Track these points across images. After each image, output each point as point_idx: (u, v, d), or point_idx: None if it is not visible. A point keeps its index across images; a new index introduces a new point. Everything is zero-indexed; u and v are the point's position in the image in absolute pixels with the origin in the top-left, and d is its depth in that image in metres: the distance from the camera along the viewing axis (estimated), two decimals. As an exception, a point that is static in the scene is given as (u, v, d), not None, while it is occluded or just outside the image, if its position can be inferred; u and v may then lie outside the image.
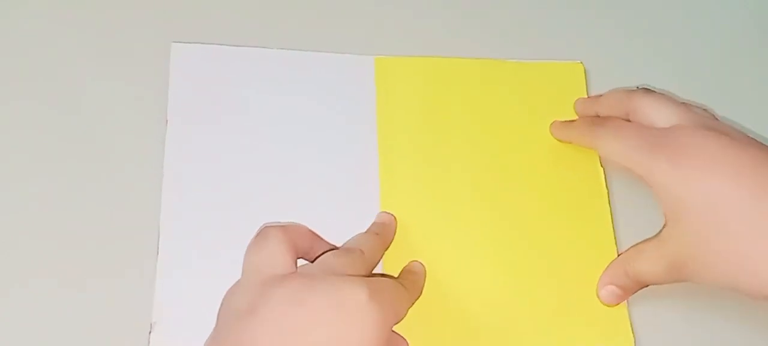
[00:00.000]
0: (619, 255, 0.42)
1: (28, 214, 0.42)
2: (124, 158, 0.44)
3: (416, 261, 0.43)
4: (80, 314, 0.40)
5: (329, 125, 0.46)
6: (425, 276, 0.42)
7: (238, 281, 0.37)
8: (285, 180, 0.44)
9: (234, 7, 0.49)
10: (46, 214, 0.42)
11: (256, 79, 0.46)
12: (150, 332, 0.40)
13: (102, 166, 0.44)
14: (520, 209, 0.45)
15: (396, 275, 0.42)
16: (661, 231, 0.40)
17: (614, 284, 0.42)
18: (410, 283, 0.41)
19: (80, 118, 0.45)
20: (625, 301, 0.42)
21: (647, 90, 0.44)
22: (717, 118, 0.43)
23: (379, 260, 0.42)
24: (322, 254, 0.39)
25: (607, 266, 0.42)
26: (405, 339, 0.39)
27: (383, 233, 0.43)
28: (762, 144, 0.40)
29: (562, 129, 0.46)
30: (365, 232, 0.43)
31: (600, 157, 0.46)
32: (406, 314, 0.38)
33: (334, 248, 0.41)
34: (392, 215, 0.44)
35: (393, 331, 0.38)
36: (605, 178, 0.46)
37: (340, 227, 0.43)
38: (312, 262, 0.39)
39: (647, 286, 0.41)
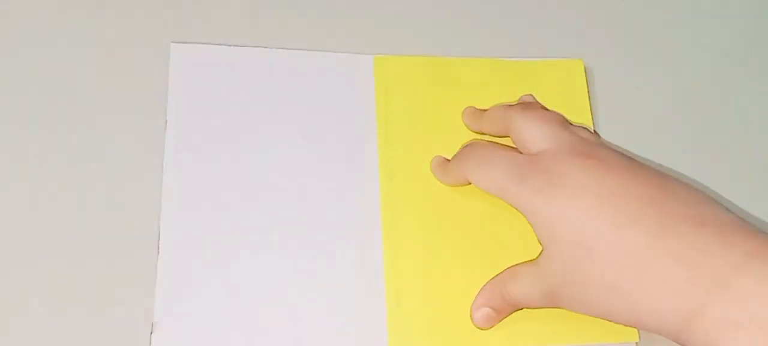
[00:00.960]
0: (494, 277, 0.42)
1: (27, 214, 0.42)
2: (123, 158, 0.44)
3: None
4: (81, 314, 0.40)
5: (329, 124, 0.46)
6: None
7: None
8: (284, 179, 0.44)
9: (233, 7, 0.49)
10: (46, 214, 0.42)
11: (255, 79, 0.46)
12: (151, 332, 0.40)
13: (101, 166, 0.44)
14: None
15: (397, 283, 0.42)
16: (538, 256, 0.40)
17: (489, 306, 0.41)
18: None
19: (79, 118, 0.45)
20: None
21: (524, 107, 0.44)
22: (596, 137, 0.43)
23: None
24: None
25: (483, 288, 0.42)
26: None
27: None
28: (636, 167, 0.40)
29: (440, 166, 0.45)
30: None
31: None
32: None
33: None
34: None
35: None
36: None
37: (339, 227, 0.43)
38: None
39: (522, 309, 0.41)
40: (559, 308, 0.40)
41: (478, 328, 0.42)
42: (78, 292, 0.41)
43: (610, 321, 0.39)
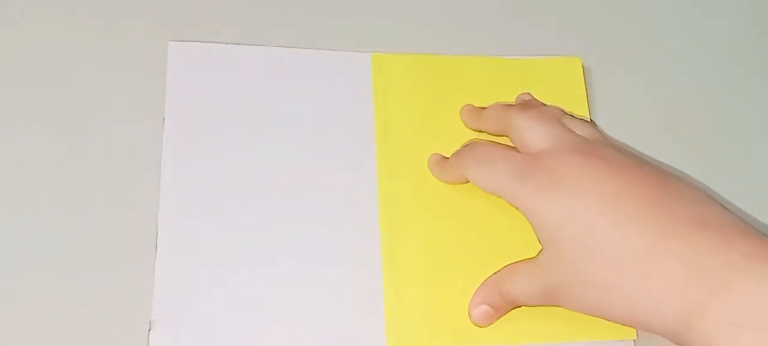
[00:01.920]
0: (493, 274, 0.42)
1: (24, 213, 0.42)
2: (121, 156, 0.44)
3: None
4: (79, 313, 0.40)
5: (327, 122, 0.46)
6: None
7: None
8: (282, 177, 0.44)
9: (230, 5, 0.49)
10: (43, 213, 0.42)
11: (253, 78, 0.46)
12: (149, 330, 0.40)
13: (99, 164, 0.43)
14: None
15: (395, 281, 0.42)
16: (538, 255, 0.40)
17: (487, 304, 0.41)
18: None
19: (78, 117, 0.45)
20: None
21: (523, 107, 0.44)
22: (599, 134, 0.43)
23: None
24: None
25: (481, 285, 0.42)
26: None
27: None
28: (637, 165, 0.40)
29: (438, 164, 0.45)
30: None
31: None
32: None
33: None
34: None
35: None
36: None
37: (337, 226, 0.43)
38: None
39: (520, 307, 0.41)
40: (557, 306, 0.40)
41: (476, 325, 0.42)
42: (76, 290, 0.41)
43: (609, 320, 0.39)
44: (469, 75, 0.48)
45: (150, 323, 0.40)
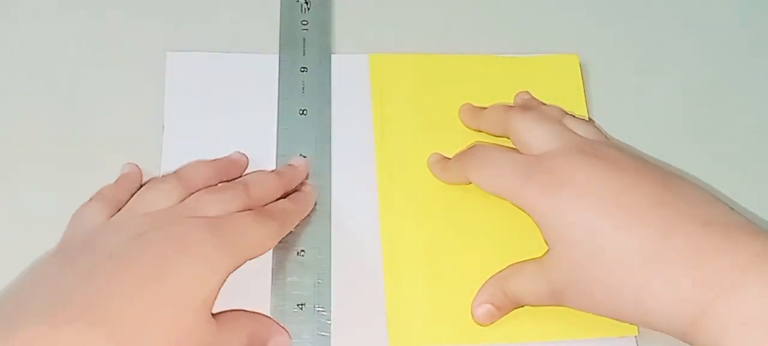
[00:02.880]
0: (496, 273, 0.42)
1: (25, 221, 0.42)
2: (121, 164, 0.44)
3: (307, 185, 0.44)
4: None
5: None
6: (309, 199, 0.43)
7: None
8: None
9: (228, 13, 0.49)
10: (44, 222, 0.42)
11: (250, 85, 0.47)
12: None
13: (99, 172, 0.44)
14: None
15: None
16: (544, 255, 0.40)
17: (491, 303, 0.41)
18: (285, 206, 0.41)
19: (79, 126, 0.45)
20: None
21: (524, 108, 0.44)
22: (600, 134, 0.43)
23: (275, 198, 0.41)
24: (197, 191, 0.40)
25: (484, 284, 0.42)
26: (276, 323, 0.40)
27: (286, 173, 0.43)
28: (642, 165, 0.40)
29: (438, 164, 0.46)
30: (267, 170, 0.43)
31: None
32: (272, 245, 0.39)
33: None
34: (305, 158, 0.44)
35: (276, 322, 0.40)
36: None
37: (337, 226, 0.43)
38: None
39: (524, 306, 0.41)
40: (562, 306, 0.40)
41: (479, 324, 0.42)
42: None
43: (615, 320, 0.39)
44: (467, 74, 0.48)
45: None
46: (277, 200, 0.41)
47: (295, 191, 0.43)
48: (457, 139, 0.46)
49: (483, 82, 0.48)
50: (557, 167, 0.40)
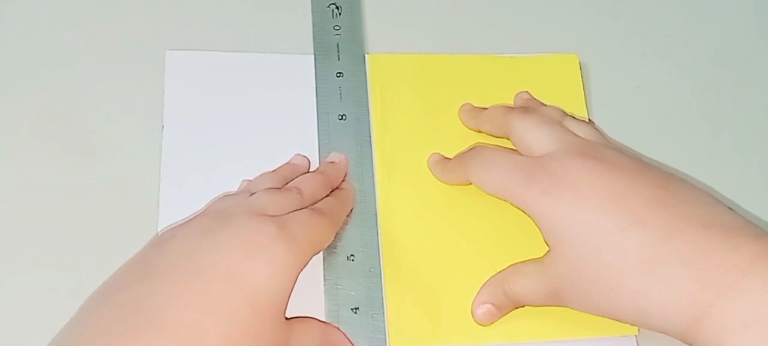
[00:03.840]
0: (496, 273, 0.42)
1: (26, 221, 0.42)
2: (121, 164, 0.44)
3: (346, 182, 0.44)
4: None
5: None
6: (353, 194, 0.43)
7: None
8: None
9: (227, 13, 0.49)
10: (45, 220, 0.42)
11: (250, 84, 0.47)
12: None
13: (99, 172, 0.44)
14: None
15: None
16: (544, 255, 0.40)
17: (491, 303, 0.41)
18: (333, 202, 0.41)
19: (79, 125, 0.45)
20: None
21: (524, 110, 0.44)
22: (600, 136, 0.43)
23: (323, 196, 0.42)
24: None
25: (484, 284, 0.42)
26: (341, 331, 0.40)
27: (328, 171, 0.43)
28: (640, 167, 0.40)
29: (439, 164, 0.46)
30: (311, 171, 0.44)
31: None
32: (329, 240, 0.40)
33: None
34: (344, 154, 0.44)
35: (328, 323, 0.40)
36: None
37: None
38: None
39: (524, 306, 0.42)
40: (562, 306, 0.40)
41: (479, 324, 0.42)
42: (76, 298, 0.41)
43: (615, 320, 0.39)
44: (466, 74, 0.48)
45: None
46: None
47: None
48: (458, 139, 0.46)
49: (483, 82, 0.48)
50: (557, 169, 0.40)
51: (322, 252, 0.41)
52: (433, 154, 0.45)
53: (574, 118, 0.45)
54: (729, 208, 0.38)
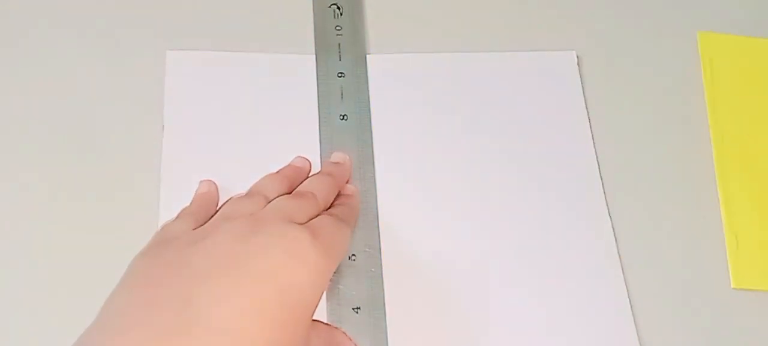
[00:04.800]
0: None
1: (26, 218, 0.42)
2: (121, 164, 0.44)
3: (349, 185, 0.44)
4: (80, 317, 0.40)
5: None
6: (359, 198, 0.44)
7: None
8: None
9: (228, 13, 0.49)
10: (44, 219, 0.42)
11: (251, 84, 0.47)
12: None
13: (99, 172, 0.44)
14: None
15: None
16: None
17: None
18: (347, 210, 0.42)
19: (79, 125, 0.45)
20: (627, 301, 0.43)
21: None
22: None
23: (332, 199, 0.42)
24: (277, 197, 0.40)
25: None
26: (345, 333, 0.40)
27: (336, 172, 0.43)
28: None
29: None
30: (318, 173, 0.44)
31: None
32: (349, 246, 0.40)
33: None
34: (346, 155, 0.45)
35: (332, 325, 0.40)
36: (599, 171, 0.46)
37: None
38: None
39: None
40: None
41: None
42: (76, 298, 0.41)
43: None
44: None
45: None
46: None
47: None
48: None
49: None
50: None
51: None
52: None
53: None
54: None
